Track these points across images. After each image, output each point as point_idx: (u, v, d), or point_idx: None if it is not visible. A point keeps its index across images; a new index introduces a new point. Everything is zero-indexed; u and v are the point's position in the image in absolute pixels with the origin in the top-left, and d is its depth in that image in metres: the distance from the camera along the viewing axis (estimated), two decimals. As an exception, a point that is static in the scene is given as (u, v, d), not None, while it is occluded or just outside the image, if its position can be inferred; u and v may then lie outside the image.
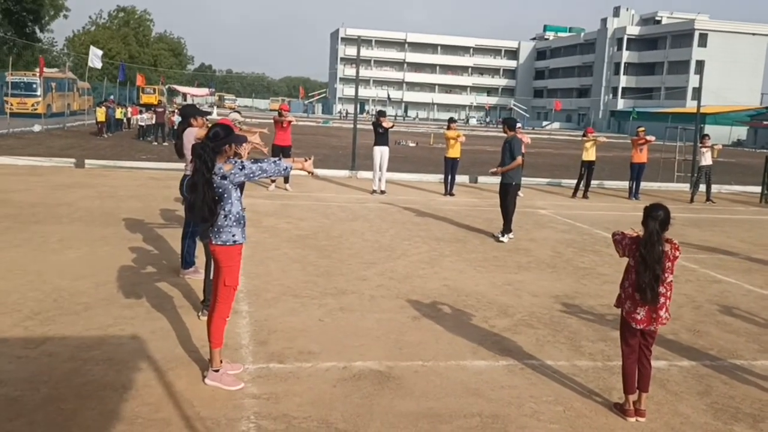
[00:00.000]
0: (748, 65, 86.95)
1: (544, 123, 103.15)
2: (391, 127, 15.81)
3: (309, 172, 5.26)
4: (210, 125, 5.26)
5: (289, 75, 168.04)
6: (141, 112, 33.38)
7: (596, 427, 4.48)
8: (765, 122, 68.77)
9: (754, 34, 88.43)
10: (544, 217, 13.61)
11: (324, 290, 7.32)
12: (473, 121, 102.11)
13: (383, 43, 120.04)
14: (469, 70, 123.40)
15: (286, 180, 15.36)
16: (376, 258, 9.03)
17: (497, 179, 11.32)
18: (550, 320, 6.74)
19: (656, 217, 4.41)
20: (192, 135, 7.03)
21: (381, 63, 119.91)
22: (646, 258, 4.40)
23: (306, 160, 5.14)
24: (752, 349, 6.21)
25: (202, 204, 4.62)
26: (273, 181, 15.32)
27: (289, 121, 15.33)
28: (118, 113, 35.03)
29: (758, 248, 11.36)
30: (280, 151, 14.59)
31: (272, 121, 15.78)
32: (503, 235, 10.72)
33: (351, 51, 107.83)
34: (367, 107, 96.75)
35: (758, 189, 18.99)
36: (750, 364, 5.80)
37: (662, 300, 4.48)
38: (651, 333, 4.62)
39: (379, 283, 7.74)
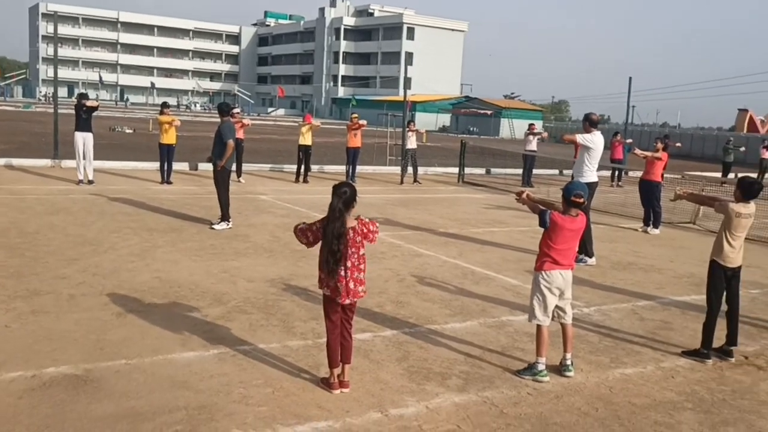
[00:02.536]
0: (449, 58, 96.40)
1: (269, 109, 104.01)
2: (96, 107, 14.75)
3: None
4: None
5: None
6: None
7: (303, 404, 4.59)
8: (464, 110, 77.61)
9: (453, 30, 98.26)
10: (264, 203, 13.69)
11: (13, 293, 6.53)
12: (197, 107, 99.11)
13: (93, 22, 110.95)
14: (190, 53, 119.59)
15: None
16: (78, 253, 8.30)
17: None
18: (264, 304, 6.78)
19: (341, 194, 4.62)
20: None
21: (91, 43, 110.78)
22: (327, 233, 4.61)
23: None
24: (444, 314, 6.88)
25: None
26: (-45, 173, 13.32)
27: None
28: None
29: (454, 223, 12.65)
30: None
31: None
32: (219, 223, 10.54)
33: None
34: (77, 90, 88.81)
35: (457, 170, 21.16)
36: (442, 327, 6.42)
37: (356, 274, 4.72)
38: (350, 307, 4.86)
39: (81, 281, 7.13)
